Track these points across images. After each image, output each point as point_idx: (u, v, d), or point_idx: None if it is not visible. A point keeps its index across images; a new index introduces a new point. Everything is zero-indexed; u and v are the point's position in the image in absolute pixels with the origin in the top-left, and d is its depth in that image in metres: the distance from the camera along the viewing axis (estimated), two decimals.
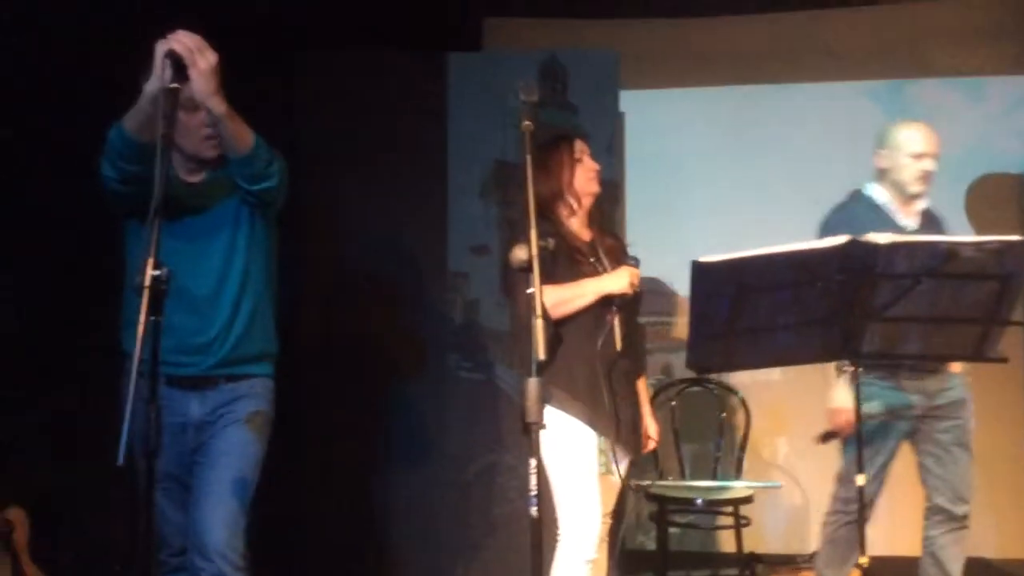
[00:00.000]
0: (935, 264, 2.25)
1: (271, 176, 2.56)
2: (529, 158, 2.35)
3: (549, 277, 2.80)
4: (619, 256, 3.10)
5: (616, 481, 3.00)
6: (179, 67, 2.26)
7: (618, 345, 2.93)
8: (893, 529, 3.92)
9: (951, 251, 2.26)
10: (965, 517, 3.38)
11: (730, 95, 4.71)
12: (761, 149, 4.65)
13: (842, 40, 4.62)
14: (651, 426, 3.19)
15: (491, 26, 4.73)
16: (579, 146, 3.13)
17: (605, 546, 3.03)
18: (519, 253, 2.31)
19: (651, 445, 3.20)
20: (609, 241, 3.15)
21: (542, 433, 2.80)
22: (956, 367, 3.39)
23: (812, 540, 4.42)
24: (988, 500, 4.01)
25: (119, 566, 3.55)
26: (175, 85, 2.24)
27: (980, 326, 2.32)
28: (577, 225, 3.10)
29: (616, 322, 2.93)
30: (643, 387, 3.21)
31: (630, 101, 4.21)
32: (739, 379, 4.33)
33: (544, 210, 2.95)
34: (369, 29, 4.36)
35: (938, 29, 4.53)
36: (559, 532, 2.93)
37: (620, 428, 2.93)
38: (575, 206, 3.08)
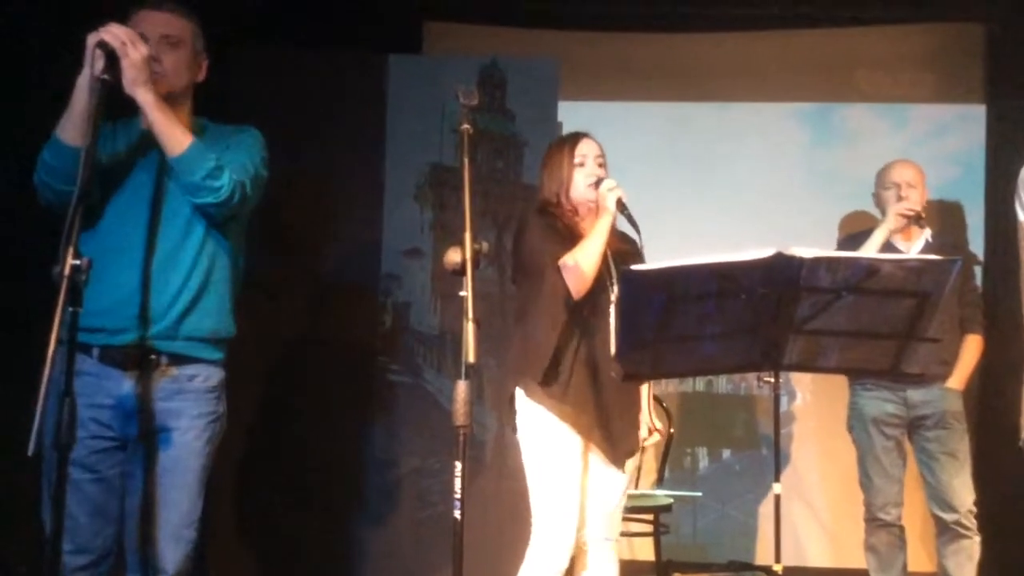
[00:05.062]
0: (856, 279, 2.30)
1: (214, 191, 2.40)
2: (467, 160, 2.37)
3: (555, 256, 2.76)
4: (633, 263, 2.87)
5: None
6: (111, 59, 2.24)
7: (612, 341, 2.72)
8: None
9: (872, 267, 2.31)
10: (958, 524, 3.51)
11: (667, 111, 4.78)
12: (695, 164, 4.73)
13: (775, 62, 4.71)
14: (655, 419, 2.99)
15: (432, 30, 4.72)
16: (583, 149, 2.90)
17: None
18: (452, 256, 2.31)
19: (655, 437, 2.97)
20: (624, 247, 2.89)
21: (526, 433, 2.83)
22: (951, 381, 3.60)
23: (726, 550, 4.51)
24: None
25: (24, 567, 3.42)
26: (106, 77, 2.22)
27: (897, 342, 2.39)
28: (586, 229, 2.84)
29: (613, 316, 2.72)
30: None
31: (568, 111, 4.23)
32: (663, 389, 4.38)
33: (548, 206, 2.90)
34: (309, 28, 4.32)
35: (867, 56, 4.65)
36: (531, 536, 2.80)
37: (613, 428, 2.80)
38: (572, 213, 2.88)
